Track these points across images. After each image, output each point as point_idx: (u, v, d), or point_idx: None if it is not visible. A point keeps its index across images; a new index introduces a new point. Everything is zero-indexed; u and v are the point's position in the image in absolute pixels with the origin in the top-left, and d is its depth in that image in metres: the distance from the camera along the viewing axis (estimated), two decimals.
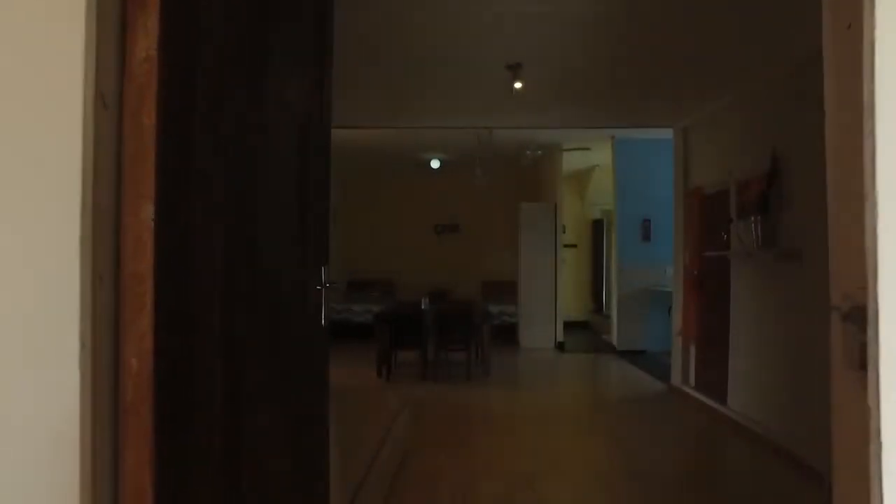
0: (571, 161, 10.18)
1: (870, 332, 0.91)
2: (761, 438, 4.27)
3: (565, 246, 11.40)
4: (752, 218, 4.25)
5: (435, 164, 10.35)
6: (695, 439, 4.76)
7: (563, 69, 4.29)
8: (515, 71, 3.86)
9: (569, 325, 10.28)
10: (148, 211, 1.11)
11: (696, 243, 5.53)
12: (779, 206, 4.09)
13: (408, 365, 7.40)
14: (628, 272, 8.57)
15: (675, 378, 6.01)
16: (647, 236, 8.60)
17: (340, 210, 11.03)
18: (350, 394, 4.24)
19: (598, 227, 12.02)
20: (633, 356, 8.25)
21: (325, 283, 1.93)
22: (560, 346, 9.06)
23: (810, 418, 3.70)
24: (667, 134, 8.39)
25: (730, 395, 4.93)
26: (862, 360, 0.93)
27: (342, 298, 11.15)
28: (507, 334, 9.87)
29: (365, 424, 3.40)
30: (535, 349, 9.03)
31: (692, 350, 5.72)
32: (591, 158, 10.50)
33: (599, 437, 4.70)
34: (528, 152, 7.17)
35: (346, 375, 6.91)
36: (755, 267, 4.48)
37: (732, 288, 4.90)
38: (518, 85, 3.84)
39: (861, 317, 0.93)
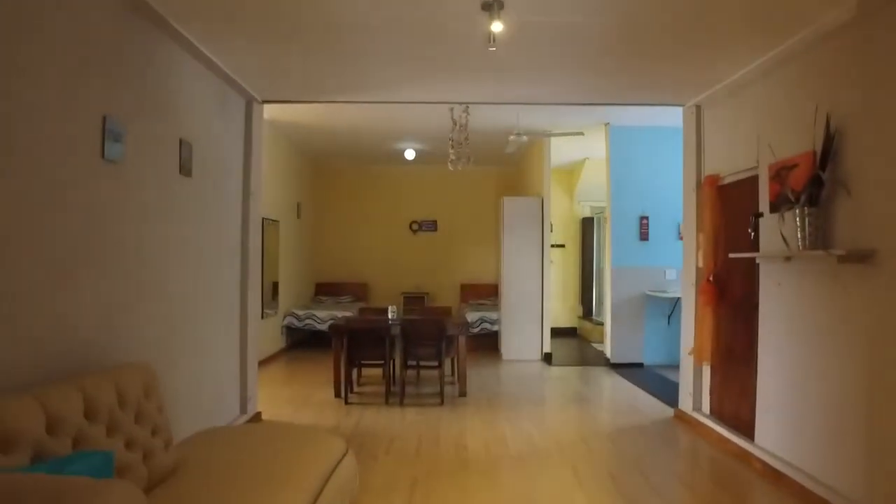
0: (560, 153, 9.23)
1: None
2: (804, 491, 3.32)
3: (553, 246, 10.46)
4: (796, 210, 3.30)
5: (409, 154, 9.35)
6: (714, 484, 3.81)
7: (555, 27, 3.34)
8: (493, 11, 2.87)
9: (556, 332, 9.33)
10: None
11: (712, 243, 4.59)
12: (833, 193, 3.15)
13: (376, 382, 6.39)
14: (623, 275, 7.64)
15: (685, 402, 5.06)
16: (644, 235, 7.67)
17: (305, 206, 9.99)
18: (279, 433, 3.24)
19: (588, 225, 11.10)
20: (630, 371, 7.31)
21: None
22: (547, 358, 8.10)
23: (884, 473, 2.75)
24: (667, 122, 7.46)
25: (758, 430, 3.98)
26: None
27: (308, 303, 10.10)
28: (489, 344, 8.90)
29: (293, 475, 2.45)
30: (519, 361, 8.05)
31: (706, 371, 4.78)
32: (582, 150, 9.56)
33: (594, 482, 3.73)
34: (511, 137, 6.20)
35: (301, 397, 5.90)
36: (799, 272, 3.53)
37: (762, 297, 3.96)
38: (497, 27, 2.85)
39: None
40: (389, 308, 6.29)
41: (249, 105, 4.98)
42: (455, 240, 11.16)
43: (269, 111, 7.29)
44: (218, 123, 4.40)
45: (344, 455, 3.19)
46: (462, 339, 5.96)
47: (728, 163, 4.49)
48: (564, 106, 6.79)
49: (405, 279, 11.09)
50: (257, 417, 5.05)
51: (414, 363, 6.00)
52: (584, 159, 10.20)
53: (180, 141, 3.72)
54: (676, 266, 7.56)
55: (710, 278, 4.60)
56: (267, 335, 7.97)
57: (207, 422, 4.07)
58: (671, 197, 7.63)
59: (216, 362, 4.40)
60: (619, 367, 7.49)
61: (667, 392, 5.99)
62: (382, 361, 5.73)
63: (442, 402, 5.64)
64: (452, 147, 4.69)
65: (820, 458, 3.30)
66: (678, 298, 7.35)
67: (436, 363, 5.76)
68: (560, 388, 6.53)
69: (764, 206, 3.91)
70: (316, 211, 10.92)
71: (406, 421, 5.08)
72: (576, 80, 4.51)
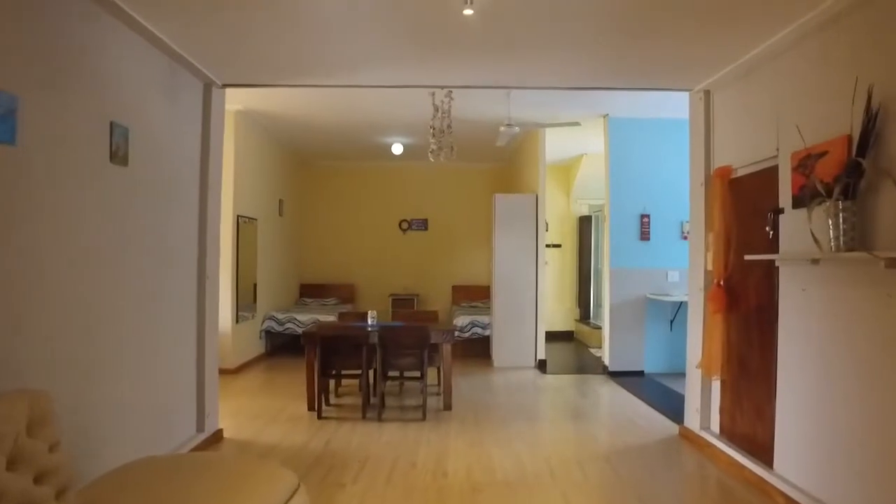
0: (556, 148, 8.74)
1: None
2: None
3: (548, 246, 9.96)
4: (828, 205, 2.80)
5: (397, 149, 8.84)
6: None
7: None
8: None
9: (552, 336, 8.83)
10: None
11: (723, 243, 4.09)
12: (876, 184, 2.65)
13: (357, 392, 5.89)
14: (622, 277, 7.14)
15: (691, 419, 4.57)
16: (645, 234, 7.17)
17: (288, 203, 9.46)
18: (219, 465, 2.74)
19: (585, 224, 10.60)
20: (630, 379, 6.81)
21: None
22: (541, 366, 7.61)
23: None
24: (670, 113, 6.97)
25: (778, 457, 3.49)
26: None
27: (292, 306, 9.59)
28: (480, 350, 8.40)
29: None
30: (512, 369, 7.56)
31: (716, 387, 4.28)
32: (579, 145, 9.07)
33: None
34: (502, 128, 5.70)
35: (272, 410, 5.40)
36: (830, 277, 3.04)
37: (783, 305, 3.46)
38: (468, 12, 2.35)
39: None
40: (369, 313, 5.79)
41: (208, 89, 4.46)
42: (447, 239, 10.66)
43: (245, 102, 6.79)
44: (166, 107, 3.88)
45: (294, 492, 2.69)
46: (447, 348, 5.46)
47: (741, 153, 3.99)
48: (560, 96, 6.31)
49: (394, 280, 10.59)
50: (217, 436, 4.54)
51: (396, 374, 5.51)
52: (582, 155, 9.71)
53: (111, 124, 3.20)
54: (680, 267, 7.08)
55: (721, 283, 4.10)
56: (244, 340, 7.47)
57: (150, 447, 3.56)
58: (674, 194, 7.15)
59: (165, 377, 3.88)
60: (617, 376, 6.99)
61: (670, 405, 5.50)
62: (359, 372, 5.22)
63: (424, 417, 5.14)
64: (434, 136, 4.19)
65: (854, 497, 2.81)
66: (682, 302, 6.87)
67: (418, 374, 5.26)
68: (554, 399, 6.03)
69: (785, 200, 3.41)
70: (300, 209, 10.41)
71: (382, 440, 4.58)
72: (572, 61, 4.00)
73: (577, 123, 5.70)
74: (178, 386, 4.11)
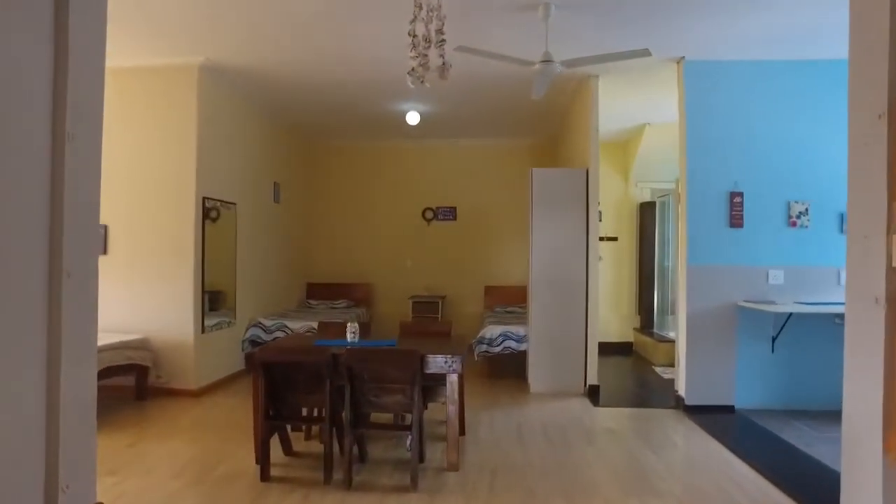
0: (611, 117, 6.94)
1: None
2: None
3: (602, 239, 8.13)
4: None
5: (413, 118, 7.20)
6: None
7: None
8: None
9: (604, 349, 7.03)
10: None
11: None
12: None
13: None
14: (704, 276, 5.27)
15: None
16: (736, 220, 5.27)
17: (287, 187, 7.91)
18: None
19: (647, 212, 8.68)
20: (716, 418, 4.94)
21: None
22: (592, 393, 5.81)
23: None
24: (774, 52, 5.07)
25: None
26: None
27: (293, 310, 8.10)
28: (515, 368, 6.67)
29: None
30: (553, 397, 5.79)
31: None
32: (640, 111, 7.20)
33: None
34: (536, 66, 3.98)
35: (207, 462, 3.86)
36: None
37: None
38: None
39: None
40: (348, 327, 4.16)
41: None
42: (479, 231, 8.96)
43: (210, 52, 5.21)
44: None
45: None
46: (454, 379, 3.76)
47: None
48: (616, 29, 4.54)
49: (417, 279, 8.96)
50: None
51: (369, 423, 3.85)
52: (643, 126, 7.81)
53: None
54: (786, 265, 5.16)
55: None
56: (214, 354, 5.98)
57: None
58: (780, 164, 5.24)
59: None
60: (698, 412, 5.13)
61: (786, 466, 3.64)
62: (318, 416, 3.60)
63: (415, 486, 3.46)
64: (413, 46, 2.53)
65: None
66: (790, 314, 4.96)
67: (406, 418, 3.60)
68: (611, 455, 4.22)
69: None
70: (304, 194, 8.90)
71: None
72: None
73: (645, 51, 3.90)
74: (7, 444, 2.57)
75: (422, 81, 2.66)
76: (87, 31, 2.17)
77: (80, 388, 2.62)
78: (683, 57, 5.28)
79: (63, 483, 2.37)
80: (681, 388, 5.42)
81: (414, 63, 2.61)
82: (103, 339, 4.99)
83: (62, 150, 2.38)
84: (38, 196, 2.34)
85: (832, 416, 4.93)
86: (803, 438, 4.30)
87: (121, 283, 5.60)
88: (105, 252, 5.65)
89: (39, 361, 2.37)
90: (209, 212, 5.92)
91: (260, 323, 6.82)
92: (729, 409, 5.19)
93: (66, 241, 2.38)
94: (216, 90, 5.95)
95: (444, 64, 2.65)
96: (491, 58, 3.94)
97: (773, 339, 5.17)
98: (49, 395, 2.33)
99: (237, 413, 5.10)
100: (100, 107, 2.67)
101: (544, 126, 8.07)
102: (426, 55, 2.65)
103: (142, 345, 5.38)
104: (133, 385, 5.44)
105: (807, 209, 5.16)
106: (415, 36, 2.63)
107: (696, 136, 5.31)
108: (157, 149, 5.64)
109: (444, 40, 2.67)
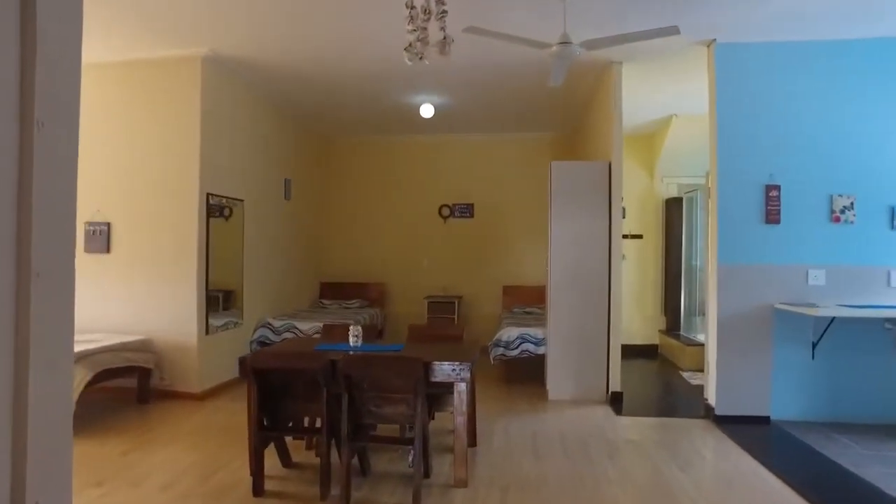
0: (635, 108, 6.58)
1: None
2: None
3: (625, 237, 7.77)
4: None
5: (427, 110, 6.92)
6: None
7: None
8: None
9: (627, 351, 6.68)
10: None
11: None
12: None
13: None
14: (736, 277, 4.88)
15: None
16: (773, 215, 4.87)
17: (299, 184, 7.66)
18: None
19: (674, 209, 8.27)
20: (749, 430, 4.56)
21: None
22: (615, 401, 5.46)
23: None
24: (814, 32, 4.67)
25: None
26: None
27: (305, 309, 7.89)
28: (533, 372, 6.34)
29: None
30: (573, 405, 5.45)
31: None
32: (667, 103, 6.82)
33: None
34: (553, 48, 3.66)
35: (201, 473, 3.64)
36: None
37: None
38: None
39: None
40: (350, 330, 3.89)
41: None
42: (497, 229, 8.64)
43: (214, 44, 4.95)
44: None
45: None
46: (463, 388, 3.46)
47: None
48: (641, 8, 4.19)
49: (433, 279, 8.69)
50: None
51: (370, 435, 3.57)
52: (670, 117, 7.41)
53: None
54: (828, 264, 4.76)
55: None
56: (219, 356, 5.76)
57: None
58: (822, 153, 4.83)
59: None
60: (729, 423, 4.75)
61: (831, 487, 3.27)
62: (315, 428, 3.34)
63: (418, 503, 3.17)
64: (411, 19, 2.24)
65: None
66: (832, 318, 4.56)
67: (409, 430, 3.31)
68: (635, 470, 3.88)
69: None
70: (316, 191, 8.68)
71: None
72: None
73: (674, 29, 3.54)
74: None
75: (420, 58, 2.37)
76: (58, 9, 1.79)
77: (53, 395, 2.24)
78: (714, 39, 4.90)
79: (31, 498, 2.00)
80: (710, 396, 5.05)
81: (411, 38, 2.32)
82: (101, 341, 4.81)
83: (30, 138, 2.02)
84: (2, 187, 1.92)
85: (881, 430, 4.52)
86: (849, 456, 3.90)
87: (123, 283, 5.43)
88: (107, 251, 5.48)
89: (5, 367, 1.99)
90: (221, 209, 5.72)
91: (269, 323, 6.61)
92: (764, 421, 4.79)
93: (36, 237, 2.00)
94: (220, 84, 5.74)
95: (444, 38, 2.36)
96: (504, 40, 3.62)
97: (814, 345, 4.76)
98: (15, 402, 1.96)
99: (239, 418, 4.86)
100: (76, 91, 2.26)
101: (565, 119, 7.72)
102: (425, 28, 2.36)
103: (143, 346, 5.19)
104: (135, 387, 5.26)
105: (852, 203, 4.74)
106: (412, 7, 2.34)
107: (727, 125, 4.93)
108: (160, 144, 5.45)
109: (445, 12, 2.37)
